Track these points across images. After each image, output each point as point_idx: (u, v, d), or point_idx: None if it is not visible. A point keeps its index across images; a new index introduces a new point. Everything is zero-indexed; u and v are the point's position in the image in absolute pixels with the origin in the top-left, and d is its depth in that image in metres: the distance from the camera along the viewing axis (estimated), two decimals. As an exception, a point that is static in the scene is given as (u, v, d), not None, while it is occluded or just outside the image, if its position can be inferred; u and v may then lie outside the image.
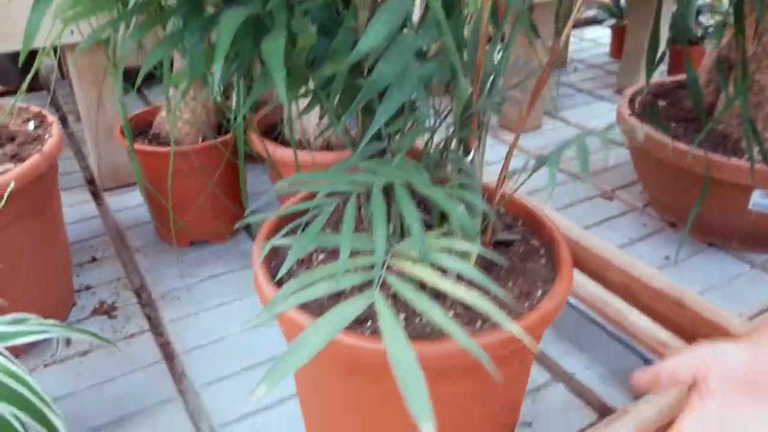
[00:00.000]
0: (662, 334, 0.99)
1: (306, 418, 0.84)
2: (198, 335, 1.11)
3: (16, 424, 0.63)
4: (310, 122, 1.26)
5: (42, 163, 1.00)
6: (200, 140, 1.25)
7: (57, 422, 0.66)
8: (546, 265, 0.76)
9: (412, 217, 0.48)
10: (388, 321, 0.40)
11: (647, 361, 1.01)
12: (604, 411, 0.97)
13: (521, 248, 0.80)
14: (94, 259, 1.30)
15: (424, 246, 0.46)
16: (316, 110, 1.18)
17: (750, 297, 1.20)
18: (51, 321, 0.77)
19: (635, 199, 1.53)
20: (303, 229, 0.66)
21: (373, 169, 0.53)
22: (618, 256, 1.06)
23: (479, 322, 0.66)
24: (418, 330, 0.65)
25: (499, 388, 0.72)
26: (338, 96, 0.64)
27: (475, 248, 0.50)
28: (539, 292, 0.71)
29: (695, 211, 1.19)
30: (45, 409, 0.65)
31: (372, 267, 0.47)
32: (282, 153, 1.20)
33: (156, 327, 1.14)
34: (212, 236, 1.35)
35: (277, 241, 0.57)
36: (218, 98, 1.12)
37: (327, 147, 1.24)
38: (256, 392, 0.38)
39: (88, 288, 1.22)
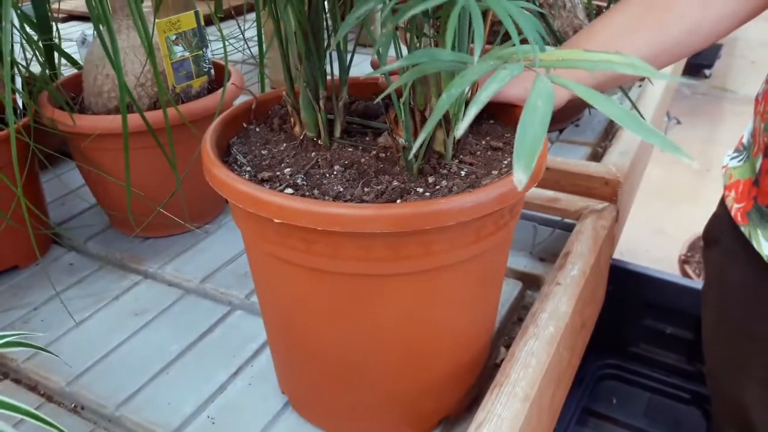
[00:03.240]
0: (547, 192, 1.08)
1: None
2: (71, 364, 0.87)
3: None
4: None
5: None
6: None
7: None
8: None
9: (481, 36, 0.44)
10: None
11: (542, 223, 1.09)
12: (523, 278, 1.02)
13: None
14: None
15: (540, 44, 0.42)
16: (133, 59, 1.00)
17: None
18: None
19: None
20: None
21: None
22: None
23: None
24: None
25: (505, 251, 0.71)
26: None
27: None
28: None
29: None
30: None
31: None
32: (90, 122, 0.99)
33: (8, 373, 0.87)
34: (21, 260, 1.07)
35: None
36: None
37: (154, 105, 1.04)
38: (519, 181, 0.32)
39: None
